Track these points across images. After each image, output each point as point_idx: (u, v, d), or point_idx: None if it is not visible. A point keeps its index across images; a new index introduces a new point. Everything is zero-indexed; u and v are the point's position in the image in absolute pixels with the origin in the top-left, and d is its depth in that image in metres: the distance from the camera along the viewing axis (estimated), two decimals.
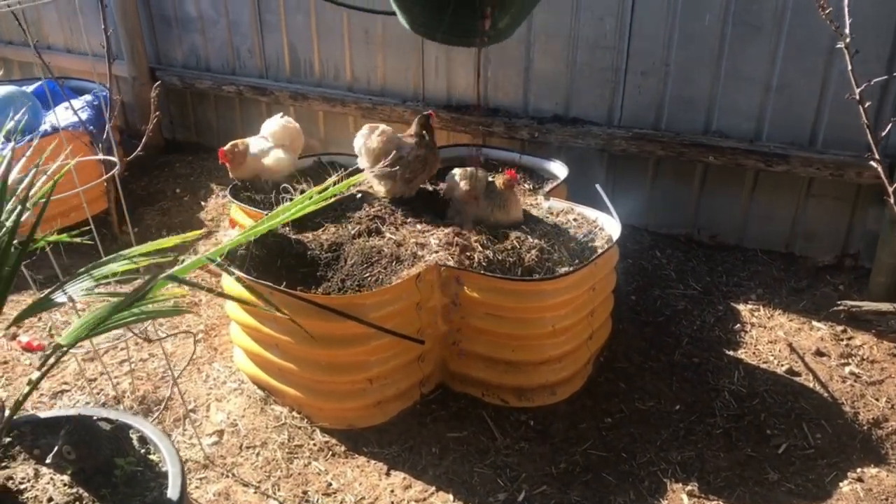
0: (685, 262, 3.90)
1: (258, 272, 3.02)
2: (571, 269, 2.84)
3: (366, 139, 3.30)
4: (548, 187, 3.71)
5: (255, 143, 3.74)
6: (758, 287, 3.68)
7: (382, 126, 3.33)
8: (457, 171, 3.32)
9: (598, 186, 3.42)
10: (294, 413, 2.88)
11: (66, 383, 3.07)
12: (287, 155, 3.76)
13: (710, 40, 3.64)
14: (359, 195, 3.47)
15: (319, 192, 1.81)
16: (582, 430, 2.82)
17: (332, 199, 3.48)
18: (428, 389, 3.00)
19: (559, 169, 3.77)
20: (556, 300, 2.79)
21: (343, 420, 2.84)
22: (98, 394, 2.99)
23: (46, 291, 1.75)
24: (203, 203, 4.72)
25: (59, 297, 1.71)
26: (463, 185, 3.26)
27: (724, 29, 3.60)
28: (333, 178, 2.79)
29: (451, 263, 2.87)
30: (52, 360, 1.77)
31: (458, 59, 4.31)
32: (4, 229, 1.69)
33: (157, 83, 3.57)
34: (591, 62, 3.95)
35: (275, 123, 3.82)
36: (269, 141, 3.77)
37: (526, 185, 3.86)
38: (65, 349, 1.77)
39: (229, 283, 2.98)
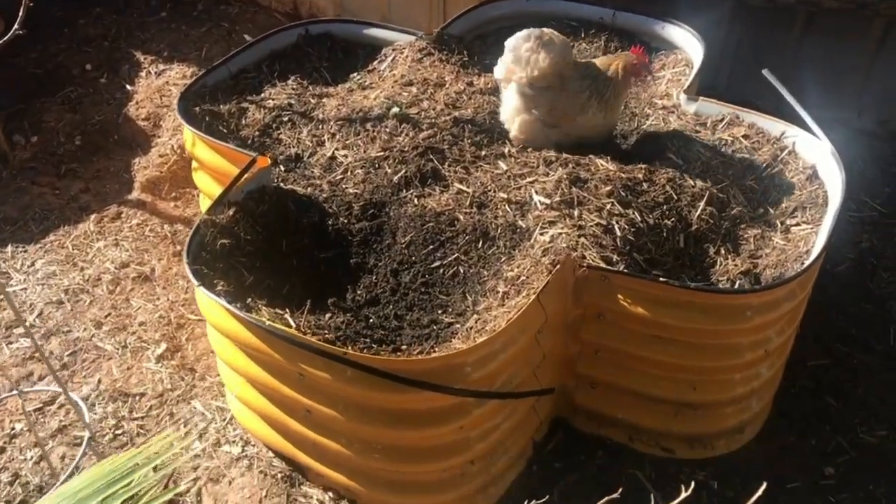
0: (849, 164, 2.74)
1: (254, 271, 1.79)
2: (803, 268, 1.67)
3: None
4: (669, 69, 2.43)
5: None
6: None
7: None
8: (518, 38, 2.01)
9: (766, 73, 2.19)
10: (344, 502, 1.81)
11: None
12: None
13: None
14: (394, 109, 2.16)
15: None
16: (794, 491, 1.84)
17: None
18: (542, 435, 1.93)
19: (683, 38, 2.46)
20: (770, 316, 1.66)
21: None
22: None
23: None
24: (129, 87, 3.26)
25: None
26: (542, 57, 1.98)
27: None
28: None
29: (593, 256, 1.68)
30: None
31: None
32: None
33: None
34: None
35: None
36: None
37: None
38: None
39: (208, 307, 1.74)
